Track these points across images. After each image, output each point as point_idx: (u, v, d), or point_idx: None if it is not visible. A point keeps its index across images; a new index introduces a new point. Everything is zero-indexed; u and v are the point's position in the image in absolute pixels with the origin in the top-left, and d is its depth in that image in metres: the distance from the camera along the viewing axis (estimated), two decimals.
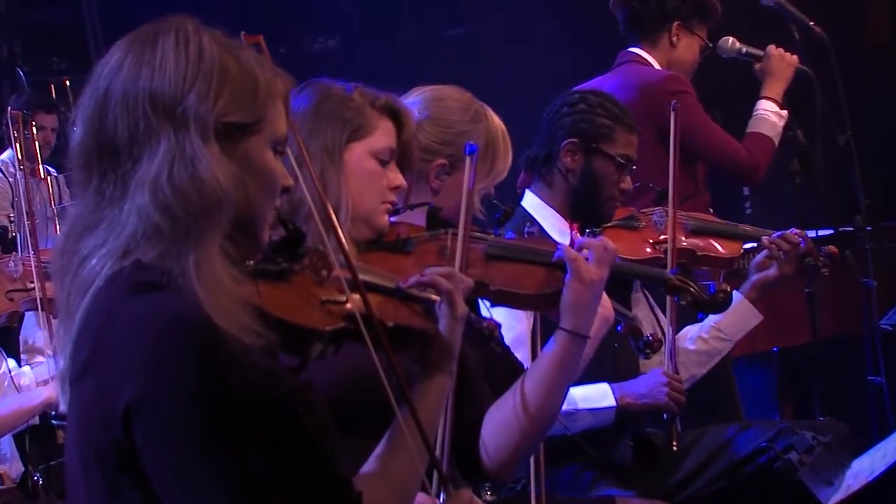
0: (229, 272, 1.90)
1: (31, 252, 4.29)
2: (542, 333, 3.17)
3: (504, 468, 2.75)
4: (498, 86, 6.46)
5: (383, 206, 2.75)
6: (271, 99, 1.99)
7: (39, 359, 4.57)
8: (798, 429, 3.91)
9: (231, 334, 1.84)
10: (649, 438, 3.85)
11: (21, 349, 4.69)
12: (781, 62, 5.02)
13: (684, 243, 3.98)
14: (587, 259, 2.74)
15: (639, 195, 4.17)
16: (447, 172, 3.21)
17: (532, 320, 3.31)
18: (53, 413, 4.16)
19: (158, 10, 2.01)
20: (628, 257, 3.77)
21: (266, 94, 1.98)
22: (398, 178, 2.77)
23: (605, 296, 2.88)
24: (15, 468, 4.56)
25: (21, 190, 4.54)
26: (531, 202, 3.98)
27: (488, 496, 3.27)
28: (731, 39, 5.09)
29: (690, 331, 4.13)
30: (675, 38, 5.02)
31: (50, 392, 4.15)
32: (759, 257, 4.07)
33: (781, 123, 5.00)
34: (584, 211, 3.92)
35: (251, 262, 2.03)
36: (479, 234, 2.83)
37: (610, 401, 3.74)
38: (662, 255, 3.86)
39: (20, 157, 4.74)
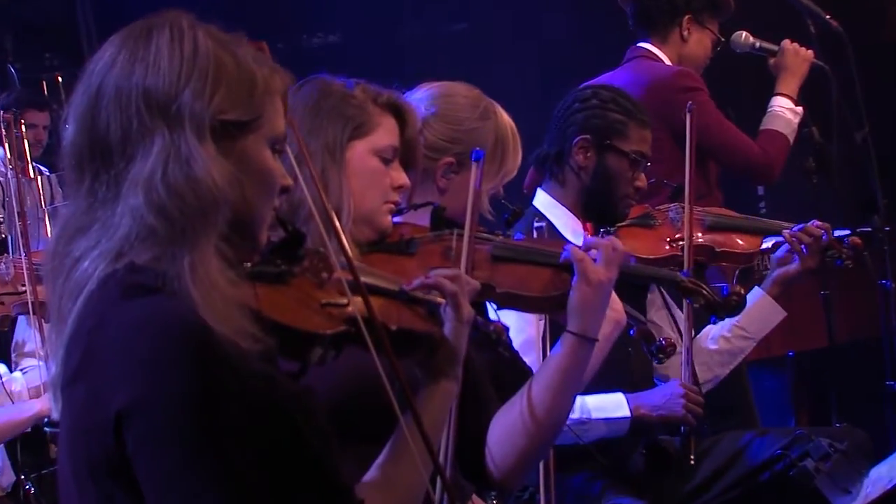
0: (226, 274, 1.90)
1: (23, 254, 4.29)
2: (551, 337, 3.16)
3: (510, 476, 2.74)
4: (503, 83, 6.44)
5: (386, 207, 2.75)
6: (269, 96, 1.99)
7: (31, 362, 4.57)
8: (814, 435, 3.91)
9: (227, 339, 1.83)
10: (662, 446, 3.84)
11: (12, 352, 4.69)
12: (796, 57, 5.02)
13: (702, 239, 3.98)
14: (595, 260, 2.74)
15: (653, 192, 4.17)
16: (454, 171, 3.21)
17: (542, 324, 3.30)
18: (46, 420, 4.16)
19: (153, 5, 2.01)
20: (645, 256, 3.78)
21: (263, 90, 1.98)
22: (401, 178, 2.77)
23: (616, 299, 2.87)
24: (6, 477, 4.56)
25: (12, 190, 4.53)
26: (543, 201, 3.97)
27: None
28: (744, 34, 5.08)
29: (712, 330, 4.12)
30: (685, 33, 5.02)
31: (42, 405, 4.16)
32: (781, 252, 4.07)
33: (796, 120, 5.00)
34: (598, 209, 3.92)
35: (249, 264, 2.02)
36: (485, 235, 2.82)
37: (624, 411, 3.73)
38: (680, 253, 3.85)
39: (9, 155, 4.74)
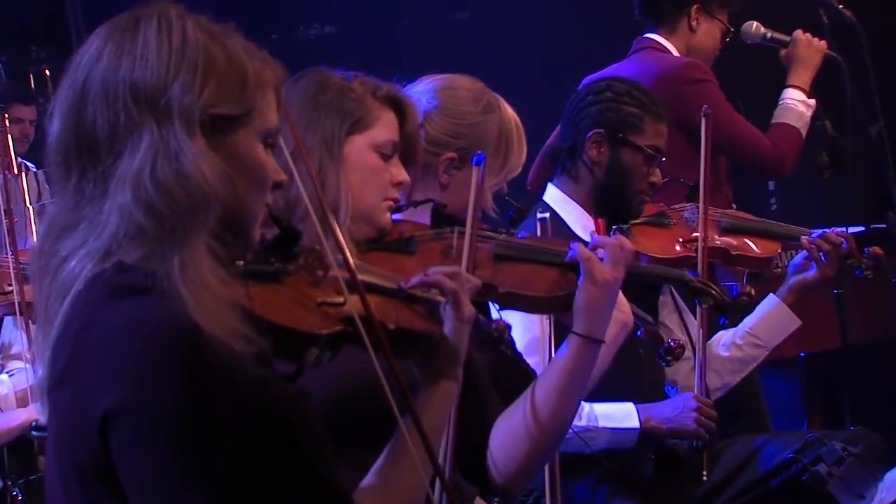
0: (217, 274, 1.89)
1: (9, 253, 4.28)
2: (556, 338, 3.16)
3: (513, 482, 2.74)
4: (507, 75, 6.44)
5: (385, 204, 2.74)
6: (261, 89, 1.98)
7: (18, 365, 4.56)
8: (827, 439, 3.91)
9: (219, 340, 1.83)
10: (672, 449, 3.84)
11: None
12: (809, 48, 5.01)
13: (717, 242, 3.98)
14: (601, 259, 2.73)
15: (669, 191, 4.16)
16: (456, 167, 3.20)
17: (547, 325, 3.29)
18: (34, 424, 4.16)
19: None
20: (657, 255, 3.77)
21: (255, 83, 1.97)
22: (401, 174, 2.76)
23: (623, 299, 2.87)
24: None
25: None
26: (554, 196, 3.97)
27: None
28: (754, 24, 5.08)
29: (724, 336, 4.12)
30: (694, 23, 5.01)
31: (28, 415, 4.16)
32: (799, 258, 4.07)
33: (809, 113, 4.99)
34: (611, 206, 3.91)
35: (241, 262, 2.02)
36: (487, 233, 2.82)
37: (633, 422, 3.73)
38: (694, 254, 3.85)
39: None
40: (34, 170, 5.60)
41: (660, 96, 4.43)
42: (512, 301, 2.76)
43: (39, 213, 4.73)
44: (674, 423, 3.72)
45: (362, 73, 2.79)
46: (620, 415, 3.74)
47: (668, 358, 3.13)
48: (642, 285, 3.47)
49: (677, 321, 4.08)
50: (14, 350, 4.66)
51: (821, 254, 4.01)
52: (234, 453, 1.81)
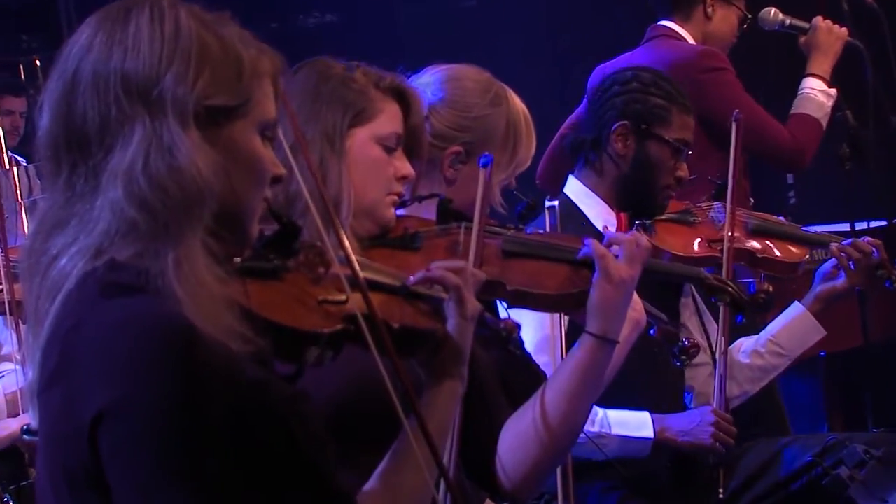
0: (213, 271, 1.89)
1: None
2: (569, 338, 3.15)
3: (523, 487, 2.73)
4: (514, 64, 6.44)
5: (389, 198, 2.74)
6: (257, 79, 1.98)
7: (8, 366, 4.56)
8: (848, 441, 3.90)
9: (215, 339, 1.83)
10: (690, 458, 3.83)
11: None
12: (829, 35, 5.01)
13: (745, 244, 3.97)
14: (617, 256, 2.73)
15: (695, 189, 4.14)
16: (462, 161, 3.20)
17: (557, 324, 3.28)
18: (25, 427, 4.16)
19: None
20: (680, 254, 3.77)
21: (251, 73, 1.97)
22: (405, 167, 2.76)
23: (636, 298, 2.86)
24: None
25: None
26: (575, 189, 3.96)
27: None
28: (773, 10, 5.07)
29: (745, 343, 4.11)
30: (710, 10, 5.01)
31: (18, 424, 4.16)
32: (827, 266, 4.06)
33: (829, 103, 4.98)
34: (636, 200, 3.90)
35: (239, 259, 2.02)
36: (495, 229, 2.81)
37: (648, 432, 3.73)
38: (718, 254, 3.84)
39: None
40: (25, 164, 5.60)
41: None
42: (520, 299, 2.76)
43: (30, 209, 4.72)
44: (689, 437, 3.72)
45: (365, 63, 2.79)
46: (635, 423, 3.73)
47: (683, 357, 3.13)
48: (659, 283, 3.46)
49: (697, 324, 4.07)
50: (4, 351, 4.66)
51: (850, 262, 4.00)
52: (228, 455, 1.81)
